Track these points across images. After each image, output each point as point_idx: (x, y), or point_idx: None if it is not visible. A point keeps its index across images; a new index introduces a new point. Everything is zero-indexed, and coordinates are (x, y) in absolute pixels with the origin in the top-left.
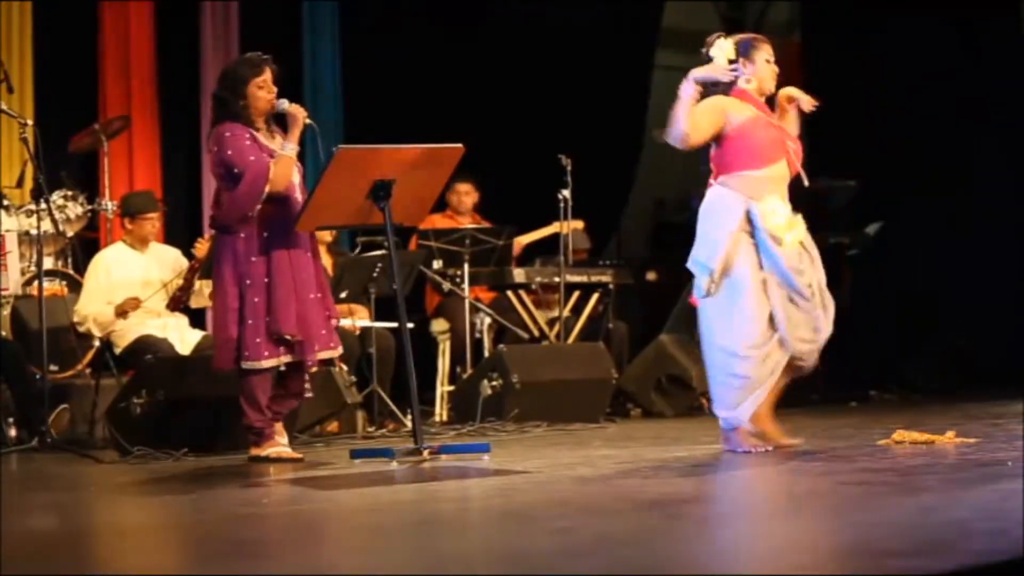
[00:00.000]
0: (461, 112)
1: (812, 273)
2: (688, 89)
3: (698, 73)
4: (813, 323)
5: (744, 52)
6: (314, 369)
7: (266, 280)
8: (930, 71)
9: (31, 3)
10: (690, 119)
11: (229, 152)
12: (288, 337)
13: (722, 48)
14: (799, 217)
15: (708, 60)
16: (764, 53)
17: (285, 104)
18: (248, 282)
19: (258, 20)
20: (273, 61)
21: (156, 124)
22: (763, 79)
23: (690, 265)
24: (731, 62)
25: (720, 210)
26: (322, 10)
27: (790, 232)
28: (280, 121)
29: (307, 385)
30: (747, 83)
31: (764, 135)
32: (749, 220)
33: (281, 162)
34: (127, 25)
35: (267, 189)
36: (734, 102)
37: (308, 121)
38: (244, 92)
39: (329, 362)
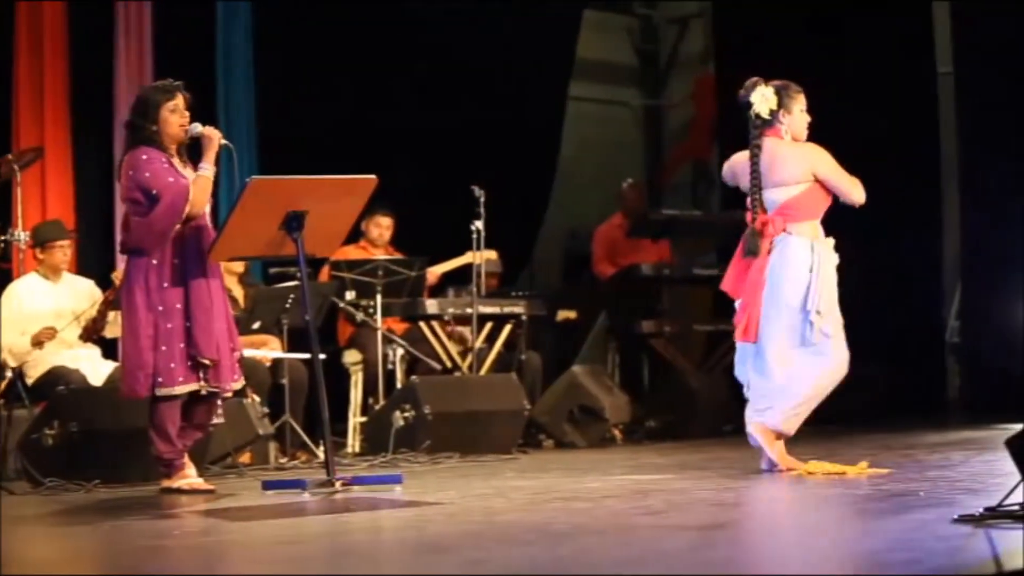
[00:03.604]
0: (374, 142)
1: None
2: None
3: None
4: None
5: (783, 103)
6: (229, 394)
7: (179, 306)
8: (846, 99)
9: None
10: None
11: (147, 174)
12: (206, 361)
13: (765, 96)
14: None
15: (747, 105)
16: (799, 103)
17: (199, 127)
18: (161, 308)
19: (173, 48)
20: (185, 88)
21: (69, 153)
22: (798, 130)
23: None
24: (772, 112)
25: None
26: (238, 45)
27: None
28: (193, 152)
29: (219, 411)
30: (784, 134)
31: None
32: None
33: (200, 182)
34: (42, 53)
35: (187, 209)
36: None
37: (224, 142)
38: (156, 116)
39: (239, 393)
